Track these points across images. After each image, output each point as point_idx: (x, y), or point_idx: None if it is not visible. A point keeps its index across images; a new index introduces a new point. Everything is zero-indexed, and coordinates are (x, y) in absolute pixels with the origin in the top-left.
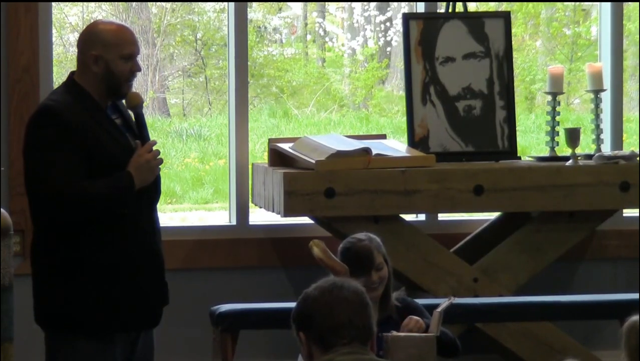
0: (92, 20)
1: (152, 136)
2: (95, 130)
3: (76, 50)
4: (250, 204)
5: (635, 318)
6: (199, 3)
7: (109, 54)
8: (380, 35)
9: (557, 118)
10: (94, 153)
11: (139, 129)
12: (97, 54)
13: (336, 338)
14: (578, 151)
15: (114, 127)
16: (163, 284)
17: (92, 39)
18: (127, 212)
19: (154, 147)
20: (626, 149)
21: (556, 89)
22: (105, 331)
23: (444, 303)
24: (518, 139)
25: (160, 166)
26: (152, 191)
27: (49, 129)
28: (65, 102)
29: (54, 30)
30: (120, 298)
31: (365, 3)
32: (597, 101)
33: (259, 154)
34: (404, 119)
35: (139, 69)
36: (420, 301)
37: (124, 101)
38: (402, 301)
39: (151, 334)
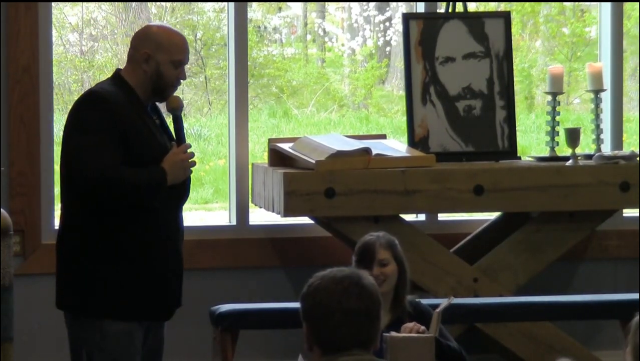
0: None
1: None
2: (136, 122)
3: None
4: (250, 204)
5: None
6: (199, 3)
7: (161, 56)
8: (379, 35)
9: (557, 118)
10: (132, 144)
11: (177, 132)
12: (150, 53)
13: (335, 347)
14: (578, 151)
15: (154, 124)
16: (180, 282)
17: (147, 38)
18: (156, 206)
19: (189, 150)
20: (626, 149)
21: (556, 89)
22: (130, 313)
23: (442, 303)
24: (518, 139)
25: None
26: (181, 191)
27: (95, 113)
28: (111, 92)
29: (54, 31)
30: (142, 286)
31: (364, 3)
32: (597, 101)
33: (259, 154)
34: (404, 119)
35: (184, 78)
36: (423, 301)
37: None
38: (414, 305)
39: (162, 327)
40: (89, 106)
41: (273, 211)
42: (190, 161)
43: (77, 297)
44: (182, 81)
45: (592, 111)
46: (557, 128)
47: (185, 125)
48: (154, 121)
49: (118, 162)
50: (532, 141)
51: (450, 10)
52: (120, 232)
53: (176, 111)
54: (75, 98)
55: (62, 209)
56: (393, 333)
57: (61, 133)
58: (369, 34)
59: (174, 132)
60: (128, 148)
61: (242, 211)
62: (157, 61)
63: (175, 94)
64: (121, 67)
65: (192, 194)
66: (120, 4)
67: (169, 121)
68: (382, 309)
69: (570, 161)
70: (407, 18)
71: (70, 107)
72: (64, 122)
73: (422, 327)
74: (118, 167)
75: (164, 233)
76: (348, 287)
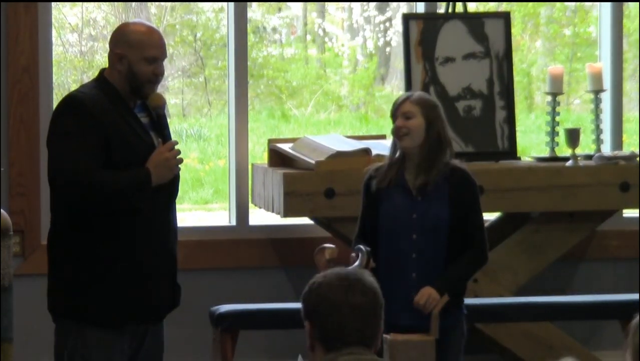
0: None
1: None
2: (118, 123)
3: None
4: (250, 204)
5: None
6: (198, 3)
7: (133, 55)
8: (379, 35)
9: (557, 118)
10: (114, 146)
11: (160, 130)
12: (122, 53)
13: (340, 343)
14: (578, 151)
15: (138, 123)
16: (174, 283)
17: (119, 38)
18: (142, 207)
19: (175, 147)
20: (626, 150)
21: (556, 90)
22: (114, 322)
23: (439, 303)
24: (518, 139)
25: (179, 166)
26: (169, 190)
27: (72, 118)
28: (91, 95)
29: (53, 31)
30: (130, 290)
31: (364, 3)
32: (597, 101)
33: (258, 154)
34: None
35: (162, 73)
36: None
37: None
38: (455, 170)
39: (160, 329)
40: (66, 110)
41: (273, 212)
42: (177, 158)
43: (62, 301)
44: (160, 76)
45: (592, 112)
46: (557, 128)
47: (185, 125)
48: (139, 120)
49: (95, 166)
50: (532, 142)
51: (450, 10)
52: (106, 235)
53: (158, 109)
54: None
55: (51, 213)
56: (392, 335)
57: None
58: (369, 34)
59: (159, 130)
60: (111, 151)
61: (242, 212)
62: (129, 60)
63: (159, 94)
64: (106, 68)
65: (192, 194)
66: (120, 4)
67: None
68: (411, 174)
69: (570, 161)
70: (407, 18)
71: None
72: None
73: (433, 295)
74: (95, 171)
75: (152, 234)
76: (352, 283)
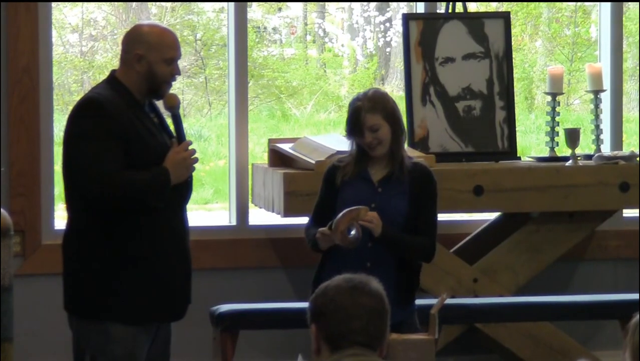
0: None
1: None
2: (135, 124)
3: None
4: (250, 204)
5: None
6: (199, 3)
7: (153, 55)
8: (379, 35)
9: (557, 118)
10: (133, 146)
11: (176, 129)
12: (141, 53)
13: (346, 342)
14: (578, 151)
15: (152, 124)
16: (189, 281)
17: (137, 39)
18: (160, 207)
19: (190, 147)
20: (626, 150)
21: (556, 90)
22: (136, 318)
23: (437, 303)
24: (518, 139)
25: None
26: (183, 190)
27: (92, 119)
28: (108, 96)
29: (53, 31)
30: (153, 288)
31: (364, 3)
32: (596, 102)
33: (258, 154)
34: (404, 119)
35: (179, 73)
36: (419, 302)
37: (160, 102)
38: (416, 165)
39: (168, 327)
40: (86, 112)
41: (273, 212)
42: (192, 158)
43: (83, 300)
44: (177, 76)
45: (592, 112)
46: (557, 129)
47: (185, 125)
48: (153, 120)
49: (119, 168)
50: (532, 142)
51: (450, 10)
52: (125, 234)
53: (174, 109)
54: (76, 99)
55: (68, 212)
56: (393, 335)
57: (61, 134)
58: (369, 34)
59: (174, 130)
60: (129, 151)
61: (242, 212)
62: (149, 61)
63: (174, 94)
64: (116, 69)
65: (193, 194)
66: (120, 4)
67: (168, 119)
68: (375, 168)
69: (570, 161)
70: (407, 18)
71: (70, 108)
72: (64, 127)
73: (364, 211)
74: (119, 172)
75: (169, 233)
76: (358, 285)
